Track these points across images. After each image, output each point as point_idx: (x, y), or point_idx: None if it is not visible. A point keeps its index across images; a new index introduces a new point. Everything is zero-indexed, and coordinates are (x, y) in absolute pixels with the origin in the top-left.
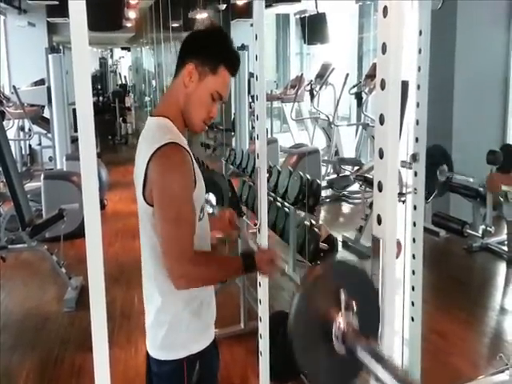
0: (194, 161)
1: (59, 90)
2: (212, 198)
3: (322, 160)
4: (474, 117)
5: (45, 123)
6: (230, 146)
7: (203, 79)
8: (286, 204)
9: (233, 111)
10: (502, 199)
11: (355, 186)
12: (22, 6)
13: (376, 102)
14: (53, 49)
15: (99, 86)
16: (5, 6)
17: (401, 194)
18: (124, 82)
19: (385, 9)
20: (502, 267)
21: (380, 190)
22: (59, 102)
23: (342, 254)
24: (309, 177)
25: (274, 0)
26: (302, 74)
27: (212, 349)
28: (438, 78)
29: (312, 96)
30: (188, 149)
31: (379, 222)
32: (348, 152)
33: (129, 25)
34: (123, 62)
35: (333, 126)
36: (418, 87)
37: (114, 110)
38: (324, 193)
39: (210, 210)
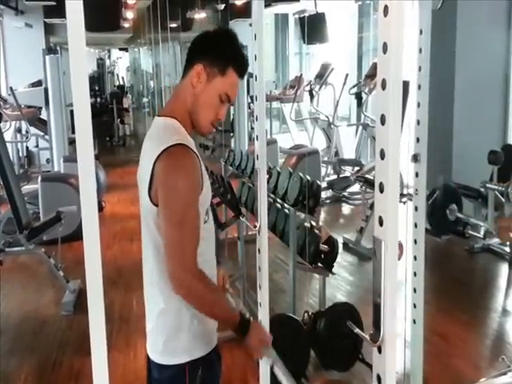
0: (201, 163)
1: (56, 92)
2: None
3: (321, 161)
4: (475, 117)
5: (42, 125)
6: (229, 147)
7: (211, 80)
8: (285, 205)
9: (232, 112)
10: None
11: (355, 187)
12: (18, 6)
13: (377, 102)
14: (50, 50)
15: (97, 87)
16: (2, 6)
17: (402, 195)
18: (122, 82)
19: (385, 8)
20: (503, 268)
21: (381, 191)
22: (56, 103)
23: (342, 255)
24: (309, 178)
25: (272, 0)
26: (301, 74)
27: (214, 355)
28: (438, 78)
29: (311, 96)
30: (196, 150)
31: (381, 223)
32: (348, 152)
33: (126, 25)
34: (121, 62)
35: (332, 126)
36: (419, 87)
37: (111, 112)
38: (324, 194)
39: None
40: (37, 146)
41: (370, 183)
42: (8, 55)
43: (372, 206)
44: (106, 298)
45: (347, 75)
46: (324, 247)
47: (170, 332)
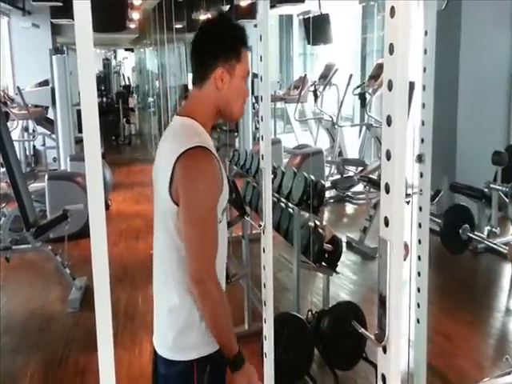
0: (221, 164)
1: (63, 91)
2: None
3: (325, 161)
4: (479, 117)
5: (49, 124)
6: (233, 147)
7: (233, 73)
8: (290, 205)
9: None
10: None
11: (359, 187)
12: (25, 7)
13: (383, 102)
14: (57, 50)
15: (103, 87)
16: (9, 7)
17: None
18: (127, 82)
19: (392, 9)
20: (507, 268)
21: (387, 191)
22: (63, 102)
23: (346, 255)
24: (313, 177)
25: (277, 1)
26: (305, 75)
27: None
28: (442, 78)
29: (316, 96)
30: (215, 153)
31: (386, 224)
32: (352, 153)
33: (132, 26)
34: (126, 63)
35: (336, 126)
36: (424, 88)
37: (117, 111)
38: (328, 193)
39: None
40: (44, 145)
41: (373, 183)
42: (15, 55)
43: (375, 206)
44: (112, 296)
45: (351, 76)
46: (328, 246)
47: (182, 328)
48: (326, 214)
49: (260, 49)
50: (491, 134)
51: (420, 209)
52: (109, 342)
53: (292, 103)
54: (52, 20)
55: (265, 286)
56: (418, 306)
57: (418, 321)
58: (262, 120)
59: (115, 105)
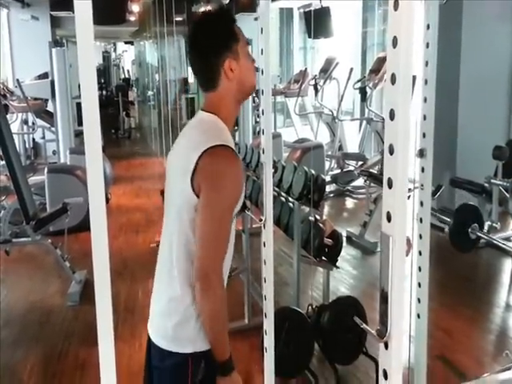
0: (243, 167)
1: (63, 84)
2: None
3: (325, 155)
4: (480, 112)
5: (48, 117)
6: (233, 141)
7: (239, 57)
8: (290, 199)
9: None
10: None
11: (359, 181)
12: None
13: (385, 96)
14: (56, 42)
15: (102, 80)
16: None
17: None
18: (127, 76)
19: (396, 2)
20: (507, 263)
21: (390, 186)
22: (63, 95)
23: (346, 249)
24: (313, 172)
25: None
26: (305, 69)
27: None
28: (443, 73)
29: (316, 90)
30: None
31: (389, 219)
32: (352, 147)
33: (132, 19)
34: (126, 55)
35: (337, 120)
36: (426, 82)
37: (117, 104)
38: (328, 188)
39: None
40: (43, 138)
41: (373, 177)
42: (14, 48)
43: (376, 201)
44: (112, 289)
45: (352, 70)
46: (328, 241)
47: (180, 319)
48: (326, 209)
49: (261, 42)
50: (492, 129)
51: (421, 204)
52: (109, 335)
53: (292, 97)
54: (51, 12)
55: (265, 281)
56: (419, 301)
57: (419, 316)
58: (262, 114)
59: (115, 98)
